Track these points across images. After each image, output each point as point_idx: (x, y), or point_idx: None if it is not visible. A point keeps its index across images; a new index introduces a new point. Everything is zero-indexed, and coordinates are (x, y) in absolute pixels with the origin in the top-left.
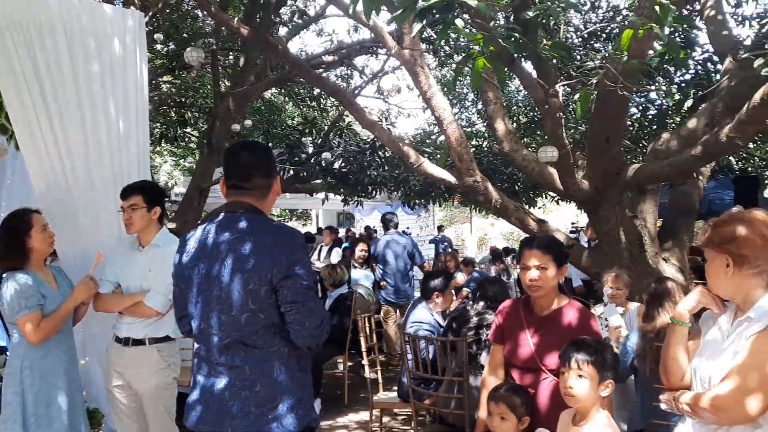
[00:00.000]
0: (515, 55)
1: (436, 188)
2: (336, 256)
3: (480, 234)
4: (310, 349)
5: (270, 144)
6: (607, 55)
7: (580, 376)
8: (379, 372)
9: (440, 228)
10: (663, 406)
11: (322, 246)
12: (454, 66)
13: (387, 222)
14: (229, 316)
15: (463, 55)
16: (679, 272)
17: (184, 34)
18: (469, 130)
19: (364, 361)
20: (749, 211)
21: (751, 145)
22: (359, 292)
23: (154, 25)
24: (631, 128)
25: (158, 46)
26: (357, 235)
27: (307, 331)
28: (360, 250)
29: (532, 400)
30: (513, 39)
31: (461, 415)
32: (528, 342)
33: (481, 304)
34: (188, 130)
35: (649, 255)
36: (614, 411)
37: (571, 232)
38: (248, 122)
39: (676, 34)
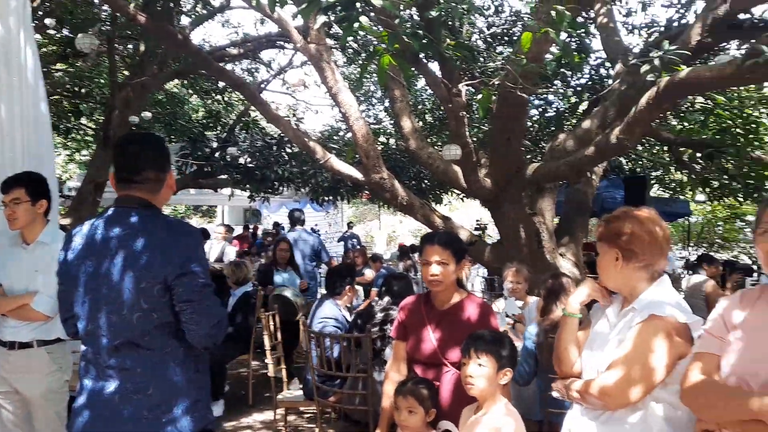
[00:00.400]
0: (419, 53)
1: (344, 185)
2: (229, 255)
3: (389, 231)
4: (207, 349)
5: (172, 137)
6: (507, 57)
7: (480, 365)
8: (283, 370)
9: (349, 225)
10: (555, 394)
11: (213, 244)
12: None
13: (294, 219)
14: (120, 316)
15: (369, 52)
16: (574, 267)
17: (78, 20)
18: (376, 127)
19: (268, 360)
20: (639, 209)
21: (639, 148)
22: (285, 295)
23: (46, 9)
24: (531, 129)
25: (51, 32)
26: (262, 232)
27: (204, 330)
28: (281, 249)
29: (437, 393)
30: (416, 37)
31: (366, 411)
32: (430, 337)
33: (386, 299)
34: (83, 121)
35: (547, 250)
36: (513, 401)
37: (475, 228)
38: (148, 114)
39: (572, 40)
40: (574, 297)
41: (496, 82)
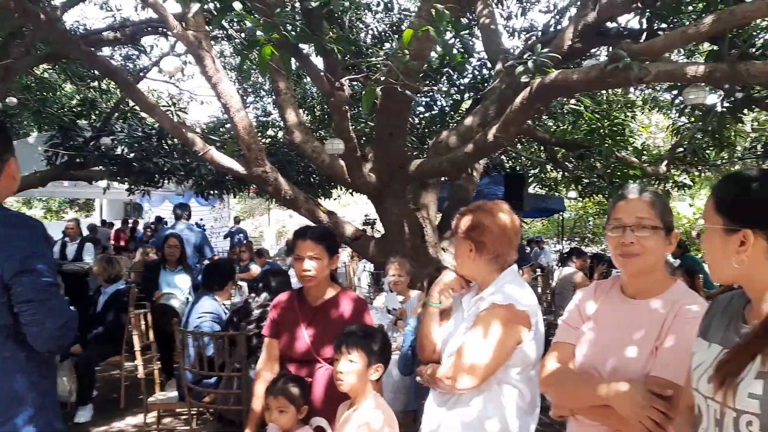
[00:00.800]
0: (298, 44)
1: (230, 179)
2: (89, 253)
3: (279, 226)
4: (52, 352)
5: (41, 126)
6: (390, 53)
7: (351, 361)
8: (156, 371)
9: (236, 220)
10: (418, 379)
11: (66, 241)
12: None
13: (178, 214)
14: None
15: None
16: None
17: None
18: (265, 119)
19: (138, 360)
20: (493, 202)
21: (519, 147)
22: (172, 306)
23: None
24: (418, 126)
25: None
26: (144, 226)
27: (48, 332)
28: (169, 246)
29: (310, 390)
30: (293, 27)
31: (241, 411)
32: (303, 334)
33: (264, 296)
34: None
35: (430, 245)
36: (392, 394)
37: (364, 223)
38: (13, 100)
39: (455, 40)
40: (433, 287)
41: (379, 77)
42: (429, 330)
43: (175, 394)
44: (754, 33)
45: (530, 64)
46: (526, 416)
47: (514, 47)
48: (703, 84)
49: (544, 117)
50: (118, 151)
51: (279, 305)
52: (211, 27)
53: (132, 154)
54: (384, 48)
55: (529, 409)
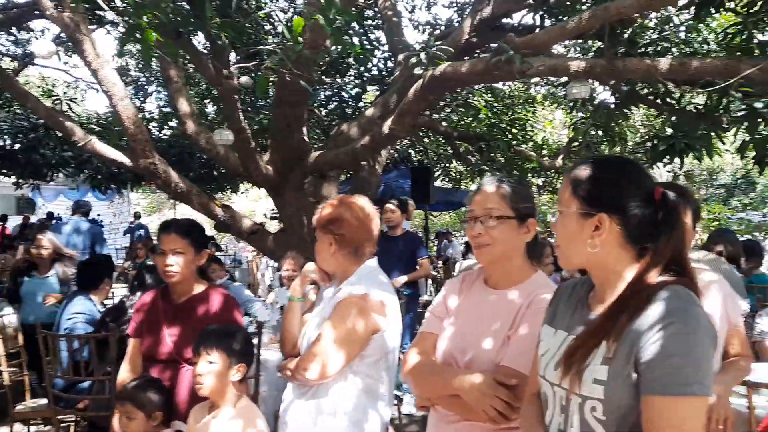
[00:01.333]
0: (180, 29)
1: (125, 172)
2: None
3: None
4: None
5: None
6: (281, 42)
7: (210, 362)
8: (26, 378)
9: (137, 215)
10: (278, 374)
11: None
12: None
13: (74, 209)
14: None
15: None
16: None
17: None
18: (167, 110)
19: (2, 367)
20: (351, 196)
21: (426, 141)
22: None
23: None
24: (326, 118)
25: None
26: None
27: None
28: (38, 247)
29: (169, 393)
30: (171, 10)
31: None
32: (165, 334)
33: (138, 294)
34: None
35: None
36: (276, 392)
37: (271, 218)
38: None
39: (364, 32)
40: (296, 281)
41: (270, 66)
42: (289, 324)
43: (45, 401)
44: (638, 31)
45: (423, 56)
46: (384, 405)
47: (416, 41)
48: (590, 80)
49: (447, 110)
50: (0, 142)
51: (142, 305)
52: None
53: (17, 146)
54: (279, 36)
55: (386, 399)
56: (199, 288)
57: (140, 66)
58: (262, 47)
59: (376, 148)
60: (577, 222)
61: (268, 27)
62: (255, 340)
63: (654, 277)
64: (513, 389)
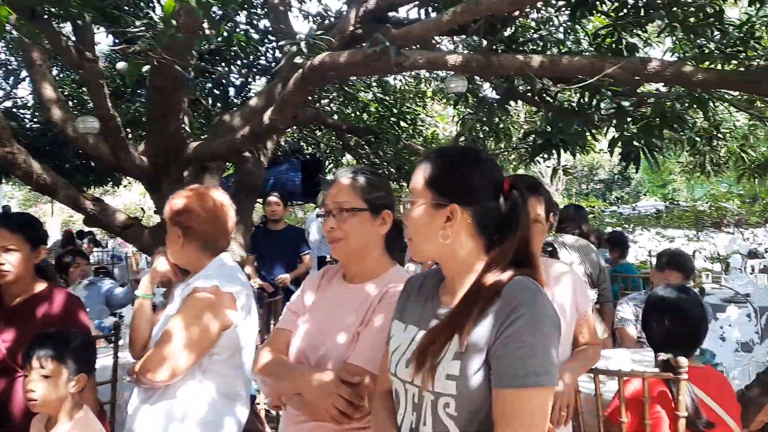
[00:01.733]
0: (34, 7)
1: None
2: None
3: (65, 216)
4: None
5: None
6: (149, 24)
7: (44, 375)
8: None
9: (5, 208)
10: (126, 379)
11: None
12: None
13: None
14: None
15: None
16: (242, 249)
17: None
18: None
19: None
20: (205, 186)
21: (318, 133)
22: None
23: None
24: (212, 109)
25: None
26: None
27: None
28: None
29: (3, 405)
30: None
31: None
32: None
33: None
34: None
35: None
36: None
37: (155, 211)
38: None
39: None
40: (145, 277)
41: (138, 50)
42: (138, 323)
43: None
44: (519, 30)
45: (303, 45)
46: (241, 406)
47: (306, 30)
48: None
49: (338, 102)
50: None
51: None
52: None
53: None
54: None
55: (242, 399)
56: (38, 288)
57: (9, 49)
58: (131, 30)
59: (257, 140)
60: (428, 213)
61: (147, 10)
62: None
63: (502, 269)
64: (357, 387)
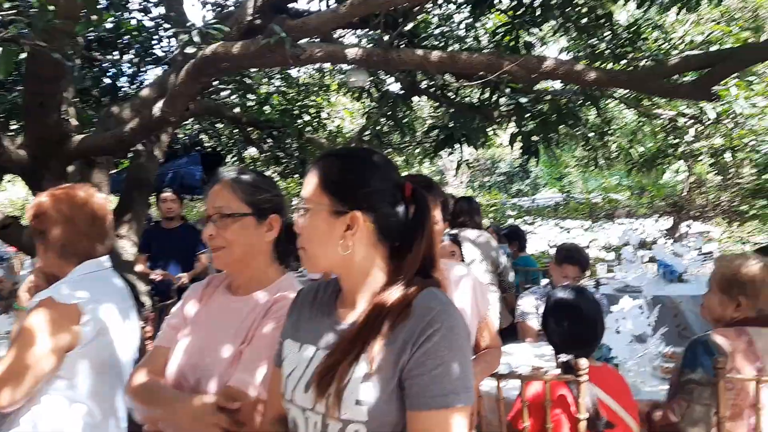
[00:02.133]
0: None
1: None
2: None
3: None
4: None
5: None
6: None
7: None
8: None
9: None
10: None
11: None
12: None
13: None
14: None
15: None
16: (135, 247)
17: None
18: None
19: None
20: (69, 186)
21: (219, 126)
22: None
23: None
24: (102, 99)
25: None
26: None
27: None
28: None
29: None
30: None
31: None
32: None
33: None
34: None
35: None
36: None
37: None
38: None
39: (141, 7)
40: (21, 287)
41: (8, 35)
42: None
43: None
44: (421, 25)
45: (195, 34)
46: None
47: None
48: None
49: (237, 94)
50: None
51: None
52: None
53: None
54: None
55: (100, 424)
56: None
57: None
58: (2, 13)
59: (146, 132)
60: (326, 221)
61: None
62: None
63: (409, 278)
64: (236, 414)
